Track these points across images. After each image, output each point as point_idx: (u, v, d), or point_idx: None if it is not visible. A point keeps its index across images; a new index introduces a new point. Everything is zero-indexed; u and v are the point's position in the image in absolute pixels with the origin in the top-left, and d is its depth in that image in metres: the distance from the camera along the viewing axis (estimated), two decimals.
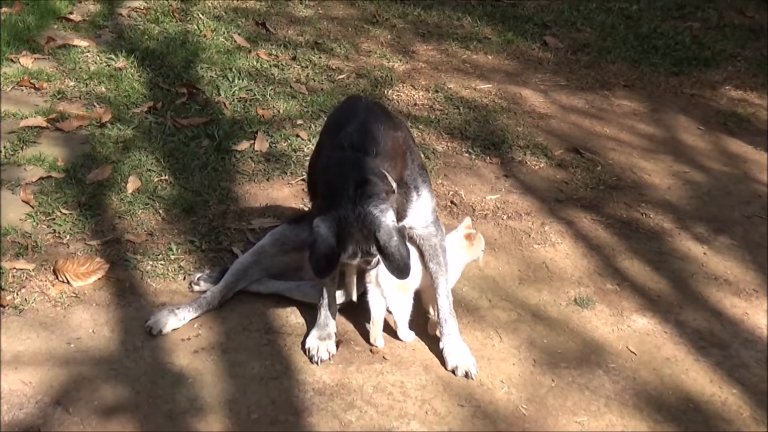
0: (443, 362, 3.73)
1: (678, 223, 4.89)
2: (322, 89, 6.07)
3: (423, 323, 3.90)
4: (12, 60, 6.00)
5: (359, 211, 3.24)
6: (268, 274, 4.00)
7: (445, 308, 3.77)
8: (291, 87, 6.05)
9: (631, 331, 4.04)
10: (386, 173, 3.40)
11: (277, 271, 4.02)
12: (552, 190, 5.12)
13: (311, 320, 3.88)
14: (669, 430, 3.49)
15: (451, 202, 4.88)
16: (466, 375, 3.68)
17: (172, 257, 4.23)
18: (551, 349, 3.88)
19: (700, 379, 3.78)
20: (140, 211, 4.55)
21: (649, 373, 3.79)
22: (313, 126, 5.48)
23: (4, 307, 3.80)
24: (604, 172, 5.36)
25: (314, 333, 3.73)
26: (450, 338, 3.75)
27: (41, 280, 4.00)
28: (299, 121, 5.56)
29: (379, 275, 3.65)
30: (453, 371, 3.70)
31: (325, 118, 3.73)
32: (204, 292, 3.95)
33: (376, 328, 3.77)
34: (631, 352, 3.91)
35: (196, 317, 3.85)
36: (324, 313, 3.74)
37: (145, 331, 3.75)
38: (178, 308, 3.82)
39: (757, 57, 7.31)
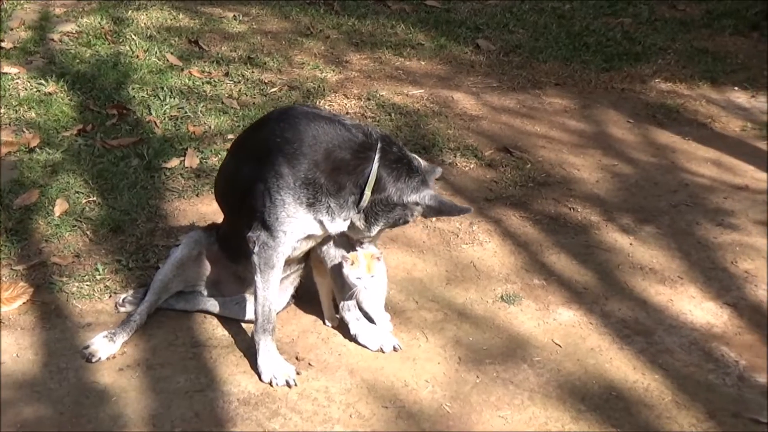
0: (365, 346, 3.87)
1: (605, 216, 4.95)
2: (253, 103, 6.09)
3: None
4: None
5: None
6: (186, 285, 4.02)
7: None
8: (223, 102, 6.07)
9: (556, 324, 4.09)
10: None
11: (193, 282, 4.03)
12: (482, 190, 5.18)
13: (237, 332, 3.92)
14: (591, 419, 3.53)
15: None
16: (395, 348, 3.84)
17: (98, 277, 4.23)
18: (477, 346, 3.92)
19: (623, 367, 3.82)
20: (67, 233, 4.55)
21: (573, 365, 3.83)
22: None
23: None
24: (534, 169, 5.42)
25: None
26: (359, 322, 3.89)
27: None
28: (230, 136, 5.56)
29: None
30: (381, 350, 3.84)
31: None
32: (130, 312, 3.95)
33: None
34: (557, 344, 3.95)
35: (128, 339, 3.85)
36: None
37: (82, 357, 3.72)
38: (113, 333, 3.80)
39: (687, 49, 7.43)
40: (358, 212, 3.59)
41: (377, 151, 3.53)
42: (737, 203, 5.11)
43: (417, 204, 3.61)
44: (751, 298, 4.30)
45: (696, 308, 4.23)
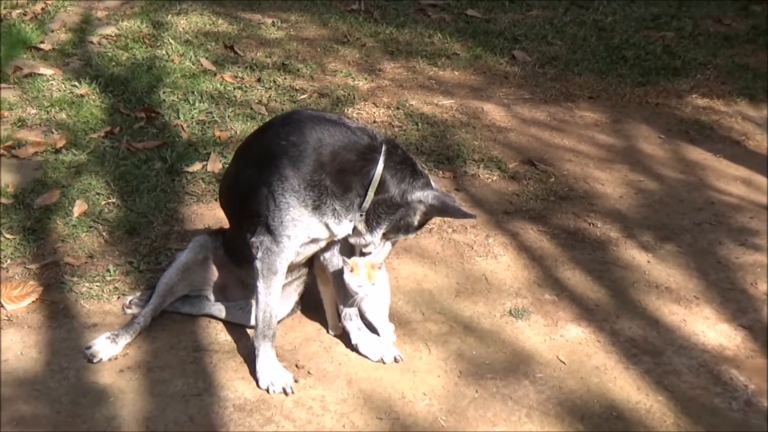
0: (366, 356, 3.85)
1: (625, 232, 4.87)
2: (282, 109, 6.11)
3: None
4: None
5: None
6: (191, 290, 4.03)
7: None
8: (251, 108, 6.10)
9: (563, 340, 4.03)
10: None
11: (199, 286, 4.04)
12: (502, 202, 5.13)
13: (240, 337, 3.93)
14: None
15: None
16: (395, 360, 3.82)
17: (109, 278, 4.26)
18: (479, 360, 3.87)
19: (627, 387, 3.75)
20: (83, 233, 4.60)
21: (576, 382, 3.76)
22: None
23: None
24: (557, 183, 5.36)
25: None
26: (360, 332, 3.87)
27: None
28: None
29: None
30: (381, 360, 3.82)
31: None
32: (135, 314, 3.97)
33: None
34: (561, 361, 3.89)
35: (131, 341, 3.88)
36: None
37: (84, 357, 3.76)
38: (116, 335, 3.83)
39: (728, 64, 7.29)
40: (361, 214, 3.59)
41: (382, 153, 3.54)
42: (763, 223, 5.00)
43: (420, 202, 3.59)
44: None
45: (709, 329, 4.14)
